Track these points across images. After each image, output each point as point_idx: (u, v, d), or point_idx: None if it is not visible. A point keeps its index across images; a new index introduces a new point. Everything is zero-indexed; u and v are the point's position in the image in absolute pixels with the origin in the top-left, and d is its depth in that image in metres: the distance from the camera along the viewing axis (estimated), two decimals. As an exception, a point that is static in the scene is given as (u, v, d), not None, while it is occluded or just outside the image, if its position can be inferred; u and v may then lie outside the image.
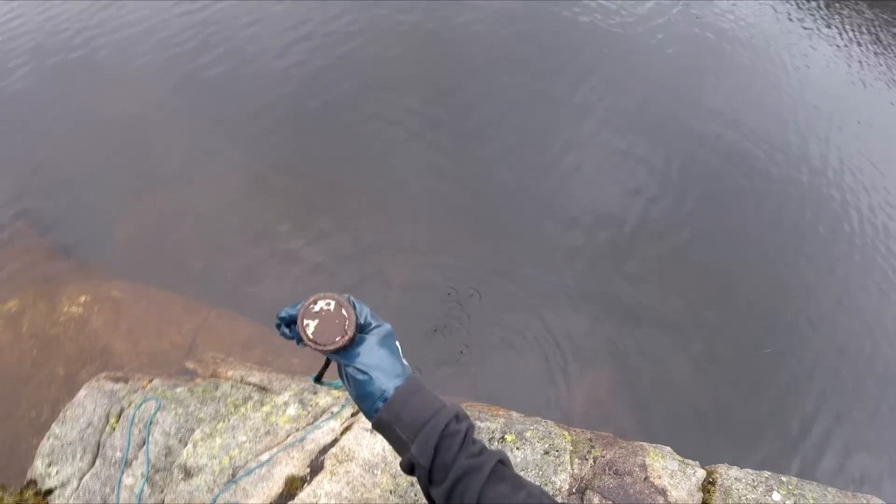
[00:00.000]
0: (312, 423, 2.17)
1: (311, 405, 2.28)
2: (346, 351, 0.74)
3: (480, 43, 4.96)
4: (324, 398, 2.33)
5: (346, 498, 1.88)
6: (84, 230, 3.61)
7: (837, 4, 6.82)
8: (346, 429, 2.13)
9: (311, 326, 0.73)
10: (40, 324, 3.09)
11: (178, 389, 2.38)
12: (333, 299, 0.75)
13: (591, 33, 5.25)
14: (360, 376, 0.72)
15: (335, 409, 2.25)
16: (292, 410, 2.22)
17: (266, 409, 2.25)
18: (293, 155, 4.01)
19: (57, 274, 3.35)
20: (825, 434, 3.14)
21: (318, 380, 0.88)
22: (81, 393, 2.45)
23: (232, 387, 2.39)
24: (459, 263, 3.41)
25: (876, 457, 3.15)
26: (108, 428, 2.24)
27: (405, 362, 0.76)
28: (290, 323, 0.76)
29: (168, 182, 3.82)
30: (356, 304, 0.77)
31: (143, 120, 4.14)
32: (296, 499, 1.89)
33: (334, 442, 2.07)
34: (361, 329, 0.76)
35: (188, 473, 2.06)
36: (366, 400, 0.72)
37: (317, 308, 0.74)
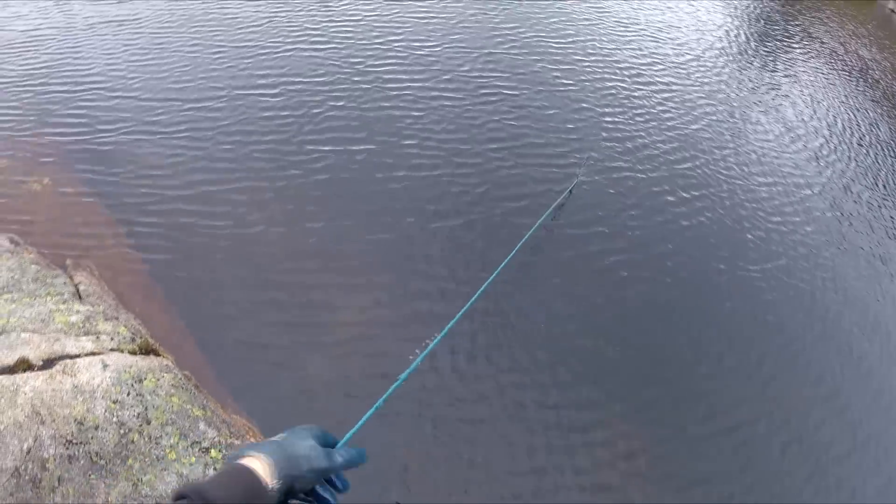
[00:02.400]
0: (78, 335, 3.15)
1: (91, 324, 3.01)
2: None
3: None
4: (104, 325, 3.07)
5: (45, 404, 2.33)
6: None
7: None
8: (93, 353, 2.70)
9: None
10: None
11: (33, 267, 3.28)
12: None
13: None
14: None
15: (104, 338, 2.93)
16: (75, 318, 3.07)
17: (61, 307, 3.06)
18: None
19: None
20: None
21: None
22: None
23: (64, 283, 3.56)
24: None
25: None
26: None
27: None
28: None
29: None
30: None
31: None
32: (14, 376, 2.41)
33: (75, 357, 2.62)
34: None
35: None
36: None
37: None
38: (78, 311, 3.09)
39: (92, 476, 2.28)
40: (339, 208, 4.29)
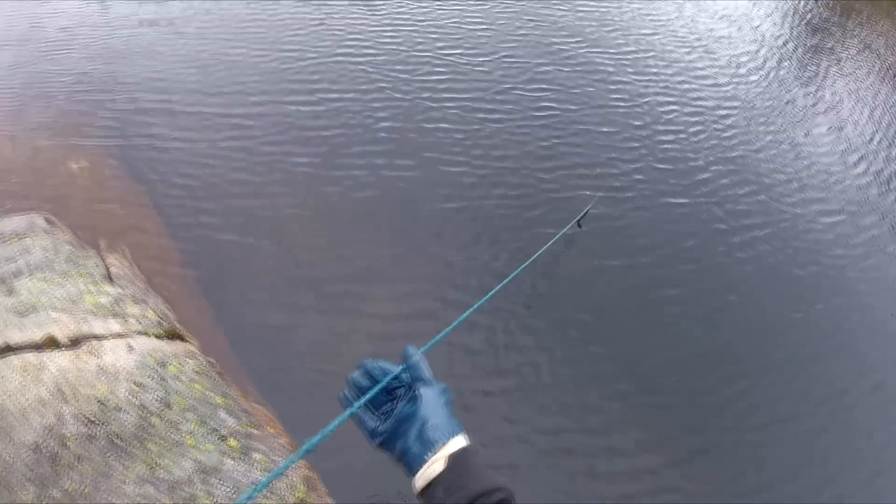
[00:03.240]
0: (106, 316, 3.29)
1: (120, 306, 3.01)
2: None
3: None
4: (133, 308, 3.09)
5: (69, 382, 2.33)
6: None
7: None
8: (119, 335, 2.70)
9: None
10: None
11: (67, 247, 3.27)
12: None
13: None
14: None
15: (131, 321, 2.91)
16: (104, 300, 3.08)
17: (92, 288, 3.07)
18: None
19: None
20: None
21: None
22: (16, 218, 3.49)
23: (96, 265, 3.58)
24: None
25: None
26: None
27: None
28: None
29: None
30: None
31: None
32: (40, 353, 2.43)
33: (102, 338, 2.63)
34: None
35: (9, 293, 2.78)
36: (418, 447, 0.71)
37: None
38: (108, 293, 3.09)
39: (110, 456, 2.27)
40: (384, 206, 4.24)
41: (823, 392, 3.73)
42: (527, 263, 2.95)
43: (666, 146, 5.35)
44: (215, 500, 2.34)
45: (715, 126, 5.83)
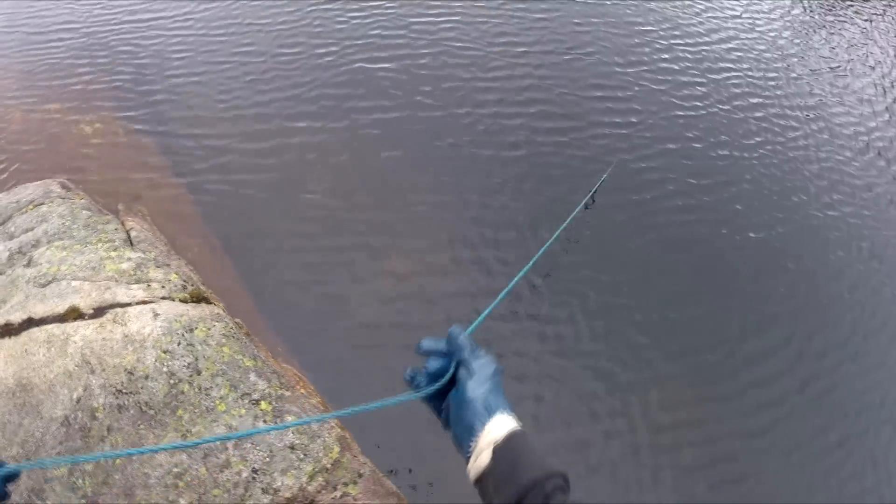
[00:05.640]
0: (128, 282, 3.19)
1: (143, 271, 2.92)
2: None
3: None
4: (155, 272, 3.00)
5: (95, 353, 2.29)
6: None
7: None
8: (143, 302, 2.63)
9: None
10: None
11: (84, 213, 3.22)
12: None
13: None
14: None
15: (154, 287, 2.82)
16: (125, 265, 2.98)
17: (112, 254, 2.98)
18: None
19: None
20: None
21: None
22: (31, 186, 3.46)
23: (115, 229, 3.47)
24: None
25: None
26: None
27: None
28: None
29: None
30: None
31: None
32: (64, 324, 2.40)
33: (126, 305, 2.57)
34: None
35: (29, 264, 2.75)
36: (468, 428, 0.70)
37: None
38: (129, 259, 3.01)
39: (141, 426, 2.23)
40: (403, 160, 3.98)
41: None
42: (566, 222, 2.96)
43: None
44: (251, 465, 2.28)
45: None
